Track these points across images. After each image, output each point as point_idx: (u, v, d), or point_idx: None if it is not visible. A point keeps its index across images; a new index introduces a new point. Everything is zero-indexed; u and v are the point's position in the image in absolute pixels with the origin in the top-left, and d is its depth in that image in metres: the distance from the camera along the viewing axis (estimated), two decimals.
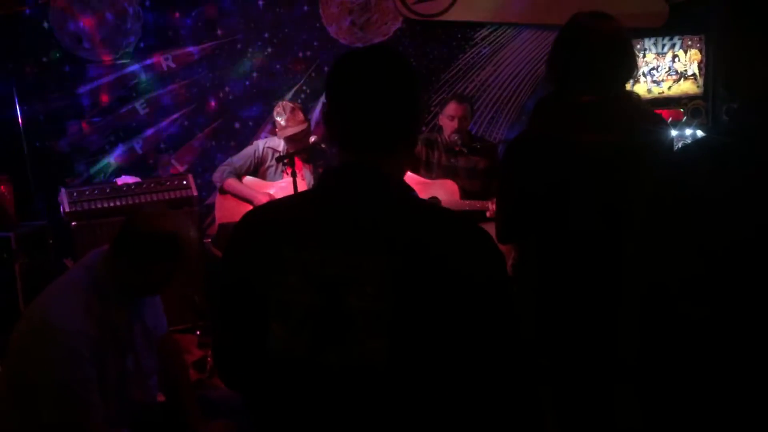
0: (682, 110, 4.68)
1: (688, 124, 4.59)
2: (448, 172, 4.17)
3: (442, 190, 4.07)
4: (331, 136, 1.31)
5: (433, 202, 3.96)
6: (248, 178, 4.24)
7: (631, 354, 1.31)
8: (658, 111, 4.20)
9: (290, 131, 4.10)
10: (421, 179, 4.14)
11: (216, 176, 4.22)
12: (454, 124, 4.09)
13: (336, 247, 1.19)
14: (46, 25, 4.73)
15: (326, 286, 1.18)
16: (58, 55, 4.78)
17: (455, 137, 4.09)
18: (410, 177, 4.10)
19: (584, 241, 1.95)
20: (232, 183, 4.16)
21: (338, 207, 1.24)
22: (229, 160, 4.29)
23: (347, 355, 1.17)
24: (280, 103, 4.24)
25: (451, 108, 4.11)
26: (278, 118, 4.17)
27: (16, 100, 4.47)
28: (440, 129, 4.27)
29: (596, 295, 1.93)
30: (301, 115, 4.16)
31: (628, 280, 1.35)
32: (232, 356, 1.37)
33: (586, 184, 1.93)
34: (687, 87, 4.78)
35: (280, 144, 4.24)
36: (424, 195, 4.02)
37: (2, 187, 3.88)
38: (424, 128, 4.95)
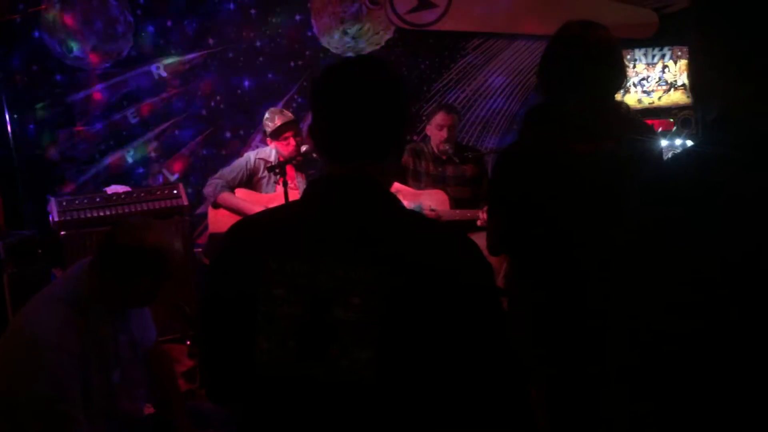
0: (672, 120, 4.70)
1: (678, 134, 4.61)
2: (436, 181, 4.18)
3: (432, 200, 4.07)
4: (318, 147, 1.30)
5: (428, 212, 3.97)
6: (241, 190, 4.23)
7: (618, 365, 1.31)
8: (648, 121, 4.22)
9: (279, 122, 4.10)
10: (411, 189, 4.14)
11: (208, 190, 4.18)
12: (444, 133, 4.10)
13: (322, 258, 1.18)
14: (36, 33, 4.71)
15: (313, 298, 1.17)
16: (49, 63, 4.76)
17: (446, 147, 4.11)
18: (399, 187, 4.10)
19: (575, 252, 1.95)
20: (226, 197, 4.13)
21: (324, 217, 1.23)
22: (220, 172, 4.26)
23: (334, 368, 1.15)
24: (268, 110, 4.27)
25: (440, 117, 4.12)
26: (268, 122, 4.17)
27: (6, 108, 4.45)
28: (426, 138, 4.29)
29: (589, 305, 1.93)
30: (289, 113, 4.20)
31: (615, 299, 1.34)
32: (219, 370, 1.35)
33: (577, 195, 1.93)
34: (677, 97, 4.81)
35: (271, 154, 4.23)
36: (414, 204, 4.02)
37: None
38: (415, 137, 4.96)
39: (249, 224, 1.35)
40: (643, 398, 1.10)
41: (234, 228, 1.34)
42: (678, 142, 4.48)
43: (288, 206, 1.37)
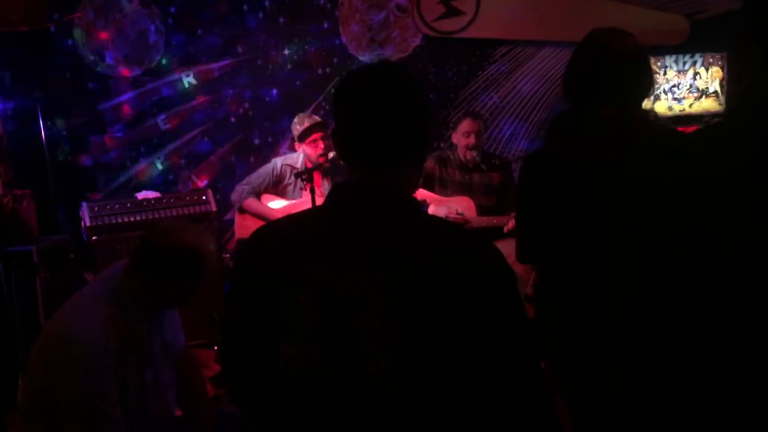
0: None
1: None
2: (462, 189, 4.17)
3: (459, 207, 4.07)
4: (339, 153, 1.31)
5: (457, 216, 3.96)
6: (268, 196, 4.25)
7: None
8: (680, 129, 4.17)
9: (308, 124, 4.12)
10: (437, 196, 4.14)
11: (234, 196, 4.24)
12: (471, 140, 4.09)
13: (345, 265, 1.18)
14: (70, 41, 4.80)
15: (335, 305, 1.17)
16: (82, 71, 4.85)
17: (473, 154, 4.10)
18: (426, 194, 4.10)
19: (603, 260, 1.93)
20: (251, 203, 4.17)
21: (346, 224, 1.23)
22: (247, 179, 4.30)
23: (356, 375, 1.15)
24: (297, 116, 4.29)
25: (466, 124, 4.11)
26: (297, 125, 4.20)
27: (40, 115, 4.53)
28: (453, 146, 4.28)
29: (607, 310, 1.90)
30: (317, 117, 4.22)
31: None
32: (241, 375, 1.35)
33: (605, 201, 1.91)
34: (708, 104, 4.75)
35: (298, 160, 4.25)
36: (441, 210, 4.02)
37: (25, 201, 3.92)
38: (442, 144, 4.96)
39: (271, 230, 1.35)
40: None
41: (256, 234, 1.35)
42: None
43: (310, 212, 1.37)
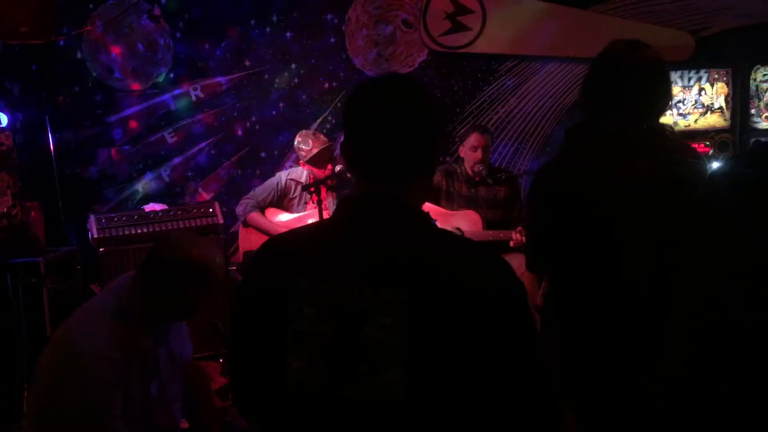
0: (708, 143, 4.65)
1: (715, 157, 4.55)
2: (469, 203, 4.18)
3: (465, 221, 4.07)
4: (348, 165, 1.31)
5: (456, 232, 3.96)
6: (273, 210, 4.27)
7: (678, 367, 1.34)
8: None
9: (316, 149, 4.14)
10: (443, 210, 4.14)
11: (239, 210, 4.26)
12: (478, 154, 4.10)
13: (352, 278, 1.18)
14: (79, 55, 4.84)
15: (343, 318, 1.17)
16: (90, 84, 4.89)
17: (480, 167, 4.11)
18: (432, 208, 4.11)
19: (615, 270, 1.93)
20: (255, 217, 4.19)
21: (354, 236, 1.23)
22: (251, 192, 4.32)
23: (364, 388, 1.15)
24: (299, 133, 4.30)
25: (474, 138, 4.13)
26: (302, 146, 4.21)
27: (49, 127, 4.56)
28: (460, 160, 4.29)
29: (627, 324, 1.90)
30: (323, 137, 4.24)
31: (678, 297, 1.38)
32: (249, 387, 1.35)
33: (618, 213, 1.90)
34: (714, 120, 4.76)
35: (302, 175, 4.27)
36: (446, 225, 4.02)
37: (33, 213, 3.94)
38: (448, 158, 4.97)
39: (280, 242, 1.35)
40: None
41: (265, 246, 1.35)
42: (715, 165, 4.42)
43: (318, 225, 1.37)
